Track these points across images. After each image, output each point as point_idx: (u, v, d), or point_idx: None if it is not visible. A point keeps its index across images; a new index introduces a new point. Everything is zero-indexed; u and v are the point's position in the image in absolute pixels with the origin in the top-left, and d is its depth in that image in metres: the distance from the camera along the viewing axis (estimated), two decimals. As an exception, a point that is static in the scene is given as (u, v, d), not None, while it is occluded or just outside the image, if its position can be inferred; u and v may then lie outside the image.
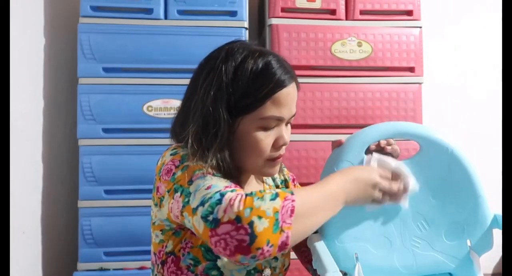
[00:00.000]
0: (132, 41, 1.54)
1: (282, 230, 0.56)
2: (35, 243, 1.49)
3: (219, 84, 0.71)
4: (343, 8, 1.66)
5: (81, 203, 1.50)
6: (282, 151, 0.76)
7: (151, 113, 1.53)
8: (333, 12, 1.66)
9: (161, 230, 0.74)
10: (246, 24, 1.60)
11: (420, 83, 1.67)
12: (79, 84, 1.53)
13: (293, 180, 0.95)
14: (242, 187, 0.78)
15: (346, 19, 1.67)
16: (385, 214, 0.75)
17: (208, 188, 0.62)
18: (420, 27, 1.68)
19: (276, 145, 0.74)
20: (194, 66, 1.40)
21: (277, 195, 0.58)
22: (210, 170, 0.67)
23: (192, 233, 0.71)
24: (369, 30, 1.65)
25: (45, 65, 1.58)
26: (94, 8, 1.54)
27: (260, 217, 0.56)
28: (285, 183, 0.93)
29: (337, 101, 1.62)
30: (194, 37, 1.56)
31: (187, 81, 1.76)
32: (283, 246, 0.57)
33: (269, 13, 1.64)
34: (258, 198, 0.58)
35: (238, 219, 0.55)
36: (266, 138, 0.72)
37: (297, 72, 1.79)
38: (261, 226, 0.55)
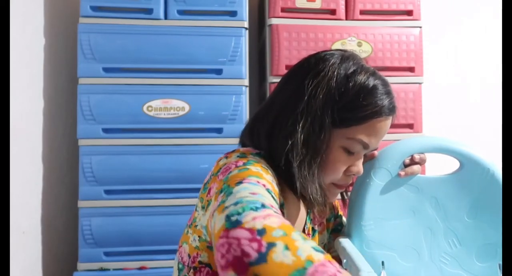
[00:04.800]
0: (132, 41, 1.54)
1: None
2: (35, 243, 1.49)
3: (329, 88, 0.66)
4: (343, 8, 1.66)
5: (81, 203, 1.50)
6: (351, 180, 0.72)
7: (151, 113, 1.53)
8: (333, 12, 1.66)
9: (199, 237, 0.67)
10: (246, 24, 1.60)
11: (420, 83, 1.67)
12: (79, 84, 1.53)
13: (342, 216, 0.88)
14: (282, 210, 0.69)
15: (346, 19, 1.67)
16: (417, 226, 0.75)
17: (253, 194, 0.52)
18: (420, 27, 1.68)
19: (347, 172, 0.70)
20: (194, 66, 1.40)
21: (323, 252, 0.43)
22: (271, 185, 0.59)
23: None
24: (369, 30, 1.65)
25: (45, 65, 1.58)
26: (94, 8, 1.54)
27: (287, 248, 0.41)
28: (334, 219, 0.86)
29: (337, 101, 1.61)
30: (194, 37, 1.56)
31: (187, 81, 1.76)
32: None
33: (269, 13, 1.64)
34: (300, 235, 0.44)
35: (261, 231, 0.43)
36: (344, 160, 0.68)
37: (297, 72, 1.76)
38: (280, 256, 0.40)
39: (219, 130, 1.54)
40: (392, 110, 0.70)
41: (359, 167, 0.70)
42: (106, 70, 1.53)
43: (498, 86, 2.03)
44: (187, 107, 1.54)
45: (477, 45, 2.15)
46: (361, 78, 0.67)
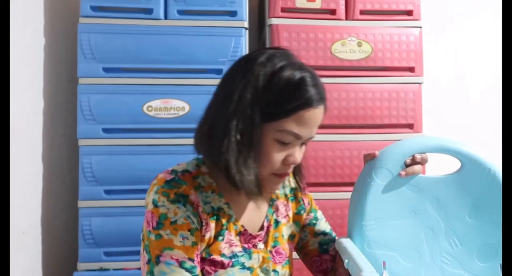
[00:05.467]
0: (132, 41, 1.54)
1: None
2: (35, 243, 1.49)
3: (256, 87, 0.71)
4: (343, 8, 1.66)
5: (81, 203, 1.50)
6: (290, 169, 0.75)
7: (151, 113, 1.53)
8: (333, 12, 1.66)
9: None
10: (246, 24, 1.60)
11: (420, 83, 1.67)
12: (79, 84, 1.53)
13: (304, 189, 0.91)
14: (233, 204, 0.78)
15: (346, 19, 1.67)
16: (418, 226, 0.75)
17: None
18: (420, 27, 1.68)
19: (285, 162, 0.73)
20: (194, 66, 1.41)
21: None
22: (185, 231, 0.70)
23: None
24: (369, 30, 1.65)
25: (45, 65, 1.58)
26: (94, 8, 1.54)
27: None
28: (295, 191, 0.90)
29: (337, 101, 1.62)
30: (194, 37, 1.56)
31: (187, 81, 1.76)
32: None
33: (269, 13, 1.64)
34: None
35: None
36: (278, 152, 0.72)
37: (297, 72, 1.76)
38: None
39: (219, 130, 1.54)
40: (319, 100, 0.72)
41: (295, 156, 0.73)
42: (106, 70, 1.53)
43: (498, 86, 2.04)
44: (187, 107, 1.54)
45: (477, 45, 2.15)
46: (287, 73, 0.71)
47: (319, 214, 0.93)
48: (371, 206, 0.75)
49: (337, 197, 1.56)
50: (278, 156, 0.72)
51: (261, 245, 0.79)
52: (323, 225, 0.91)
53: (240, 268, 0.74)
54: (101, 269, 1.48)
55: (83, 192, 1.50)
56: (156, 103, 1.53)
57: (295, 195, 0.90)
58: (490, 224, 0.75)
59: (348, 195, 0.84)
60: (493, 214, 0.75)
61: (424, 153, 0.77)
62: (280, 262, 0.81)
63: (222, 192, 0.77)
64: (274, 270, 0.79)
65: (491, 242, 0.75)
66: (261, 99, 0.70)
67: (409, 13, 1.69)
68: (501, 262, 0.73)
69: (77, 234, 1.52)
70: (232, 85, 0.73)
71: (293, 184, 0.91)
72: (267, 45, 1.65)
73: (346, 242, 0.72)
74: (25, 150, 1.41)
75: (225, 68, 1.56)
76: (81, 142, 1.52)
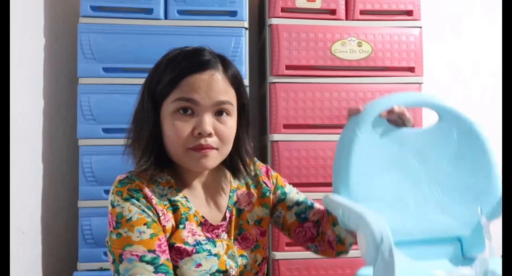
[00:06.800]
0: (132, 41, 1.54)
1: None
2: (35, 243, 1.49)
3: (146, 79, 0.81)
4: (343, 8, 1.66)
5: (81, 203, 1.50)
6: (205, 141, 0.75)
7: (151, 113, 1.53)
8: (333, 12, 1.66)
9: None
10: (246, 24, 1.61)
11: (420, 83, 1.67)
12: (79, 84, 1.53)
13: (267, 172, 0.93)
14: (184, 191, 0.81)
15: (346, 19, 1.67)
16: (402, 178, 0.77)
17: None
18: (420, 27, 1.68)
19: (194, 133, 0.74)
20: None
21: None
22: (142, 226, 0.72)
23: None
24: (369, 30, 1.65)
25: (45, 65, 1.58)
26: (94, 8, 1.54)
27: None
28: (256, 177, 0.91)
29: (337, 101, 1.62)
30: (194, 37, 1.56)
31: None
32: None
33: (269, 13, 1.64)
34: None
35: None
36: (180, 123, 0.74)
37: (297, 72, 1.79)
38: None
39: (219, 130, 1.54)
40: (206, 63, 0.76)
41: (202, 126, 0.74)
42: (106, 70, 1.53)
43: (498, 86, 2.03)
44: (187, 107, 1.54)
45: (477, 45, 2.15)
46: (167, 56, 0.79)
47: (288, 188, 0.93)
48: (355, 161, 0.76)
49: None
50: (183, 128, 0.74)
51: (224, 235, 0.81)
52: (293, 196, 0.92)
53: (207, 255, 0.76)
54: (101, 269, 1.48)
55: (83, 192, 1.50)
56: (156, 103, 1.53)
57: (257, 181, 0.90)
58: (469, 171, 0.79)
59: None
60: (472, 163, 0.79)
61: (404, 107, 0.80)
62: (248, 247, 0.83)
63: (180, 188, 0.80)
64: (242, 255, 0.81)
65: (470, 187, 0.78)
66: (151, 87, 0.78)
67: (409, 13, 1.69)
68: (480, 206, 0.78)
69: (77, 234, 1.52)
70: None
71: (253, 173, 0.91)
72: (267, 45, 1.65)
73: (333, 196, 0.74)
74: (25, 150, 1.41)
75: (225, 68, 1.56)
76: (81, 142, 1.52)
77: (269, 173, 0.93)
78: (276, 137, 1.60)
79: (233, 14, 1.59)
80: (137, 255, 0.70)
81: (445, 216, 0.78)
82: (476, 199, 0.78)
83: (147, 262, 0.70)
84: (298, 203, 0.91)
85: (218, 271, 0.77)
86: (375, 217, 0.60)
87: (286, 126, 1.61)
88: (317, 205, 0.93)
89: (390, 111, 0.77)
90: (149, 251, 0.71)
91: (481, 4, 2.16)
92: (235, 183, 0.88)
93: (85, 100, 1.51)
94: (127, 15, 1.56)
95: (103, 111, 1.52)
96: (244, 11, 1.60)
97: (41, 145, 1.54)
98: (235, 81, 0.80)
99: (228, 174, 0.88)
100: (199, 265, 0.75)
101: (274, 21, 1.63)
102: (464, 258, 0.78)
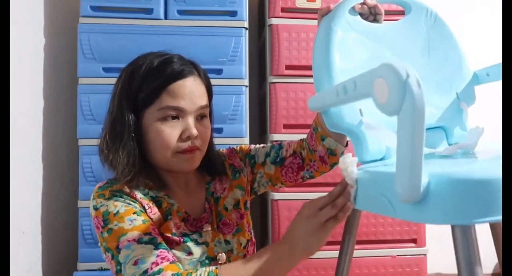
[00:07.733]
0: (132, 41, 1.54)
1: None
2: (35, 243, 1.49)
3: (121, 87, 0.80)
4: (343, 8, 1.66)
5: (81, 203, 1.50)
6: (192, 143, 0.78)
7: (151, 113, 1.53)
8: (333, 12, 1.66)
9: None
10: (246, 24, 1.61)
11: (420, 83, 1.67)
12: (79, 84, 1.53)
13: (231, 152, 0.94)
14: (169, 192, 0.82)
15: (346, 19, 1.67)
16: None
17: (135, 264, 0.67)
18: (420, 27, 1.68)
19: (182, 137, 0.77)
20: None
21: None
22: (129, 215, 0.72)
23: None
24: (369, 30, 1.65)
25: (45, 65, 1.58)
26: (94, 8, 1.54)
27: None
28: (223, 164, 0.92)
29: (337, 101, 1.61)
30: (194, 37, 1.56)
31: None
32: None
33: (269, 13, 1.64)
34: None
35: None
36: (168, 129, 0.76)
37: (297, 72, 1.78)
38: None
39: (219, 130, 1.53)
40: (188, 71, 0.79)
41: (190, 130, 0.77)
42: (106, 70, 1.53)
43: (498, 86, 2.03)
44: (187, 107, 1.54)
45: (476, 44, 2.15)
46: (146, 63, 0.78)
47: (253, 150, 0.94)
48: (334, 57, 0.73)
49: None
50: (171, 133, 0.76)
51: (207, 227, 0.82)
52: (261, 152, 0.93)
53: (195, 244, 0.78)
54: (101, 269, 1.48)
55: (83, 192, 1.50)
56: (156, 103, 1.53)
57: (225, 166, 0.92)
58: (442, 60, 0.81)
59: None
60: (442, 51, 0.81)
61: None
62: (229, 232, 0.84)
63: (160, 188, 0.81)
64: (226, 241, 0.83)
65: (444, 76, 0.80)
66: (128, 93, 0.78)
67: (409, 12, 1.69)
68: (458, 91, 0.81)
69: (77, 234, 1.52)
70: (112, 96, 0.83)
71: (220, 161, 0.92)
72: (267, 45, 1.65)
73: (319, 94, 0.72)
74: (25, 150, 1.42)
75: (225, 68, 1.56)
76: (81, 142, 1.52)
77: (233, 152, 0.94)
78: (276, 137, 1.60)
79: (233, 14, 1.60)
80: (133, 240, 0.70)
81: (427, 107, 0.76)
82: (451, 86, 0.81)
83: (146, 243, 0.70)
84: (267, 154, 0.92)
85: (207, 258, 0.78)
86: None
87: (286, 126, 1.61)
88: (285, 142, 0.93)
89: (363, 4, 0.77)
90: (145, 234, 0.71)
91: (481, 4, 2.16)
92: (209, 176, 0.89)
93: (85, 100, 1.51)
94: (127, 15, 1.56)
95: (103, 111, 1.48)
96: (244, 11, 1.60)
97: (41, 145, 1.54)
98: (208, 83, 0.84)
99: (201, 169, 0.88)
100: (189, 253, 0.76)
101: (274, 21, 1.63)
102: (450, 146, 0.80)
